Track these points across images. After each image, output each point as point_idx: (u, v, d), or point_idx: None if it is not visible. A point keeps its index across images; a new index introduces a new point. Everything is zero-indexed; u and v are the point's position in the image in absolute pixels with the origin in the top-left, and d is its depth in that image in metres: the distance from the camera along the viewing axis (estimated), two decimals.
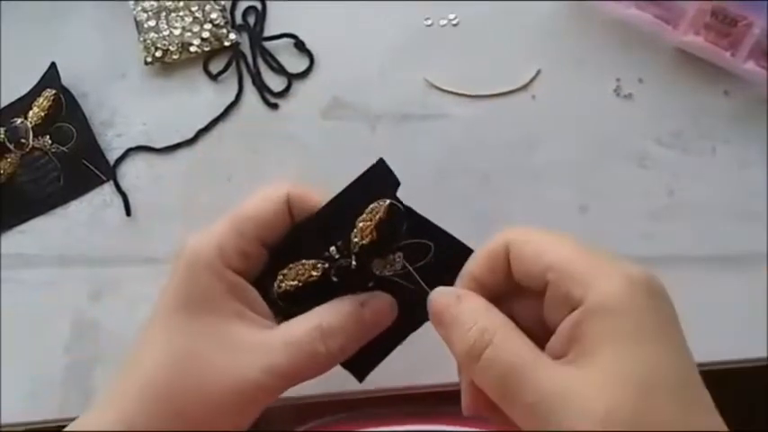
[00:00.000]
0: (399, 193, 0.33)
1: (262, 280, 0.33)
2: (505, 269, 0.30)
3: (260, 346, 0.31)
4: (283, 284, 0.33)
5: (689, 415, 0.25)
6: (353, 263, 0.32)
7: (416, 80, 0.54)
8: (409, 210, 0.33)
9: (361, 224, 0.32)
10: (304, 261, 0.33)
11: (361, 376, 0.36)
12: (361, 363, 0.35)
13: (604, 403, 0.25)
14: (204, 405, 0.30)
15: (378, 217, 0.32)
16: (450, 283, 0.32)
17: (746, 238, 0.49)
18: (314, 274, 0.33)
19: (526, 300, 0.30)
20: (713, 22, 0.49)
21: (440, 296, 0.31)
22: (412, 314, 0.34)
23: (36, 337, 0.49)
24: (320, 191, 0.33)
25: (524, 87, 0.53)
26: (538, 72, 0.53)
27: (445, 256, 0.33)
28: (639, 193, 0.51)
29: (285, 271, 0.33)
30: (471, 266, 0.31)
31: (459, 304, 0.30)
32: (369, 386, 0.46)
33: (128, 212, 0.52)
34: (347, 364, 0.35)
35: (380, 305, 0.33)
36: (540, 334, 0.29)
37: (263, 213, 0.32)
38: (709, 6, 0.49)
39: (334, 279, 0.33)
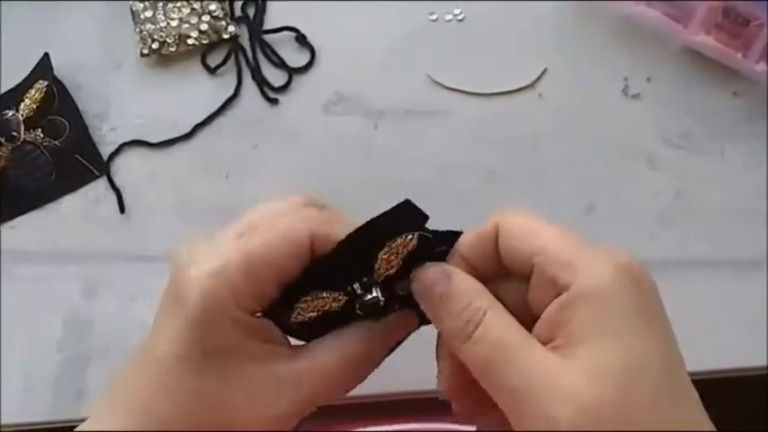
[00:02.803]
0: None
1: (274, 310, 0.33)
2: (494, 251, 0.31)
3: (286, 380, 0.31)
4: (300, 317, 0.32)
5: (674, 407, 0.26)
6: (381, 297, 0.32)
7: (420, 76, 0.54)
8: (435, 233, 0.32)
9: (384, 256, 0.31)
10: (324, 294, 0.32)
11: None
12: None
13: (589, 393, 0.26)
14: None
15: (406, 250, 0.32)
16: None
17: (756, 240, 0.50)
18: (334, 305, 0.32)
19: (511, 283, 0.31)
20: (724, 21, 0.50)
21: (429, 272, 0.31)
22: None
23: (28, 334, 0.50)
24: (344, 223, 0.32)
25: (531, 86, 0.54)
26: (545, 70, 0.54)
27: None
28: (647, 193, 0.51)
29: (303, 304, 0.32)
30: (461, 246, 0.32)
31: (449, 281, 0.30)
32: (370, 391, 0.48)
33: (122, 209, 0.53)
34: None
35: (406, 327, 0.34)
36: (523, 319, 0.30)
37: (283, 259, 0.31)
38: (721, 6, 0.50)
39: (359, 312, 0.33)
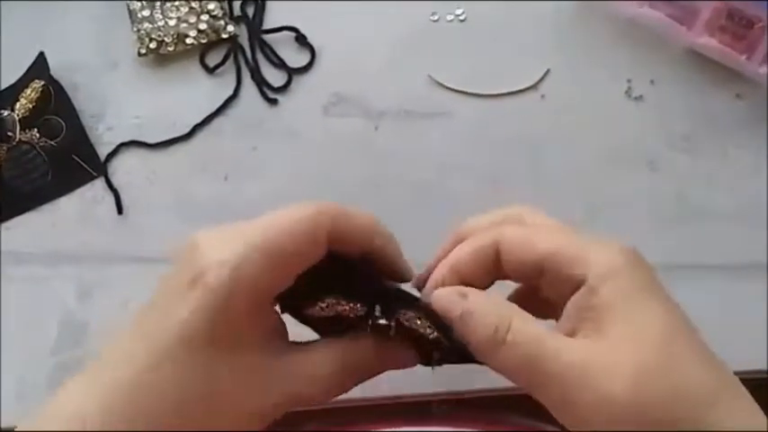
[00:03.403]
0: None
1: (294, 300, 0.33)
2: (491, 265, 0.33)
3: (276, 374, 0.32)
4: (316, 313, 0.33)
5: (710, 362, 0.29)
6: (392, 327, 0.33)
7: (421, 77, 0.54)
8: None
9: (418, 320, 0.33)
10: (345, 301, 0.33)
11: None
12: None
13: (633, 362, 0.27)
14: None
15: (439, 329, 0.32)
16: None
17: (759, 243, 0.50)
18: (351, 315, 0.33)
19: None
20: (728, 23, 0.50)
21: (444, 296, 0.32)
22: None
23: (24, 337, 0.50)
24: (362, 218, 0.33)
25: (533, 87, 0.54)
26: (547, 71, 0.54)
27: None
28: (649, 196, 0.52)
29: (324, 304, 0.33)
30: (458, 265, 0.33)
31: (466, 300, 0.32)
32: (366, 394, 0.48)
33: (119, 210, 0.53)
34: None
35: (402, 363, 0.35)
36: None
37: (304, 255, 0.31)
38: (725, 7, 0.50)
39: (368, 327, 0.33)
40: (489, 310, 0.31)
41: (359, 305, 0.33)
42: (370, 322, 0.33)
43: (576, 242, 0.31)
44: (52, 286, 0.51)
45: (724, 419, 0.27)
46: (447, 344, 0.32)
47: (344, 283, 0.33)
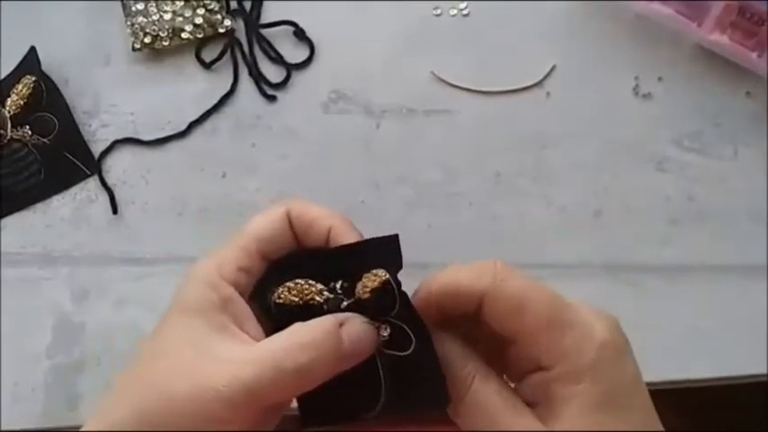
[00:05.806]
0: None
1: (261, 287, 0.37)
2: (474, 311, 0.34)
3: (231, 358, 0.33)
4: (283, 296, 0.36)
5: None
6: (345, 304, 0.36)
7: (423, 73, 0.55)
8: (404, 296, 0.35)
9: (365, 279, 0.35)
10: (312, 282, 0.36)
11: (306, 422, 0.37)
12: (314, 407, 0.36)
13: None
14: (169, 411, 0.33)
15: (374, 284, 0.35)
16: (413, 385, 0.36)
17: None
18: (317, 298, 0.36)
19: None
20: (739, 20, 0.51)
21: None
22: (372, 391, 0.36)
23: (17, 339, 0.51)
24: (319, 206, 0.37)
25: (538, 84, 0.55)
26: (553, 68, 0.55)
27: (421, 363, 0.36)
28: (657, 197, 0.53)
29: (291, 284, 0.36)
30: (438, 298, 0.35)
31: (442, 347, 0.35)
32: None
33: (114, 209, 0.54)
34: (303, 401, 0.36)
35: (359, 328, 0.35)
36: (495, 352, 0.35)
37: (265, 229, 0.37)
38: (736, 4, 0.51)
39: (324, 308, 0.36)
40: (455, 366, 0.34)
41: (323, 287, 0.36)
42: (328, 302, 0.35)
43: (553, 324, 0.32)
44: (47, 288, 0.52)
45: None
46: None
47: (308, 267, 0.36)
